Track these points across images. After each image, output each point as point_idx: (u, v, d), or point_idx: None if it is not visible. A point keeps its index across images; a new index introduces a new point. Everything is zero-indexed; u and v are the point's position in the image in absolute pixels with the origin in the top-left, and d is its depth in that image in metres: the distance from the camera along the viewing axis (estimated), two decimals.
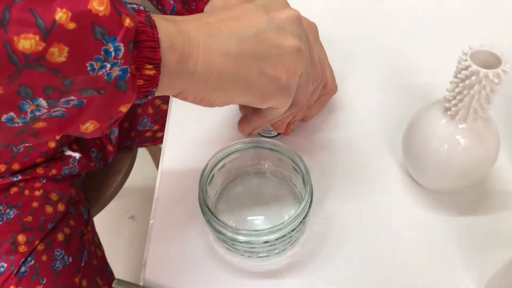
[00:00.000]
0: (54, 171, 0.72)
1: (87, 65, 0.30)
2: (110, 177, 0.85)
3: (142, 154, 1.10)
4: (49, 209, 0.71)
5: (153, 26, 0.34)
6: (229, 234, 0.43)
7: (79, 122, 0.33)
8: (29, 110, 0.30)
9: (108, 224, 1.23)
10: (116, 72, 0.31)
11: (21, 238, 0.67)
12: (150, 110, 0.84)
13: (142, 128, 0.85)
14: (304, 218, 0.43)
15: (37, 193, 0.71)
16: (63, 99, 0.30)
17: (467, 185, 0.46)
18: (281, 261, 0.46)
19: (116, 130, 0.81)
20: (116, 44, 0.31)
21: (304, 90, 0.44)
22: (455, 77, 0.40)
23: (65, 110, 0.31)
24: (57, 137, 0.34)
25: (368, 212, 0.48)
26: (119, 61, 0.31)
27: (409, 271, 0.45)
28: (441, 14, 0.68)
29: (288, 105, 0.43)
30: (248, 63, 0.38)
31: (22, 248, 0.67)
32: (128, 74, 0.32)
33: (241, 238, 0.42)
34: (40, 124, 0.32)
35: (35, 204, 0.70)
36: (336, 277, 0.45)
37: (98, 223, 0.83)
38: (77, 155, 0.75)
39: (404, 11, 0.69)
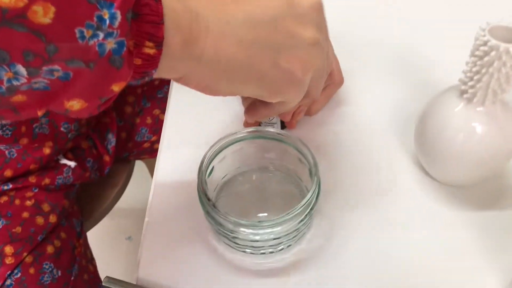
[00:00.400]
0: (47, 180, 0.69)
1: (76, 31, 0.26)
2: (105, 190, 0.82)
3: (140, 173, 1.07)
4: (40, 220, 0.68)
5: None
6: (230, 226, 0.39)
7: (64, 98, 0.29)
8: (5, 78, 0.26)
9: (104, 244, 1.19)
10: (110, 44, 0.28)
11: (8, 249, 0.64)
12: (149, 120, 0.81)
13: (140, 139, 0.82)
14: (311, 209, 0.40)
15: (28, 203, 0.68)
16: (45, 67, 0.27)
17: (485, 177, 0.43)
18: (286, 259, 0.42)
19: (113, 140, 0.78)
20: (113, 11, 0.27)
21: (318, 84, 0.41)
22: (472, 55, 0.38)
23: (48, 82, 0.28)
24: (39, 114, 0.30)
25: (378, 207, 0.45)
26: (115, 31, 0.28)
27: (422, 270, 0.41)
28: (449, 9, 0.67)
29: (299, 100, 0.40)
30: (262, 52, 0.35)
31: (9, 260, 0.64)
32: (125, 48, 0.29)
33: (243, 230, 0.39)
34: (19, 97, 0.28)
35: (25, 215, 0.67)
36: (347, 274, 0.41)
37: (94, 243, 0.79)
38: (72, 163, 0.72)
39: (411, 4, 0.68)
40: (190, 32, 0.32)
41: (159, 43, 0.30)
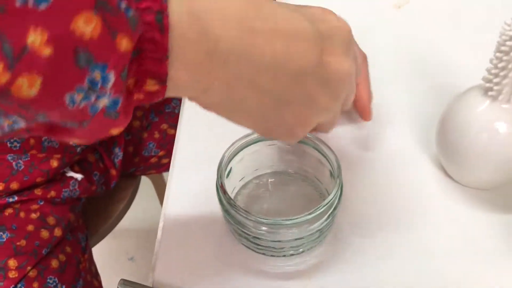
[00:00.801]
0: (53, 193, 0.68)
1: (66, 97, 0.24)
2: (111, 204, 0.80)
3: (145, 192, 1.06)
4: (44, 233, 0.66)
5: (164, 29, 0.25)
6: (251, 225, 0.38)
7: (63, 135, 0.28)
8: (5, 124, 0.25)
9: (105, 265, 1.16)
10: (104, 102, 0.25)
11: (12, 263, 0.62)
12: (156, 135, 0.81)
13: (147, 153, 0.81)
14: (334, 210, 0.39)
15: (33, 215, 0.66)
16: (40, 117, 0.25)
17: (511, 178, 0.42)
18: (307, 261, 0.41)
19: (120, 154, 0.77)
20: (105, 73, 0.24)
21: (322, 131, 0.41)
22: (498, 51, 0.38)
23: (48, 120, 0.26)
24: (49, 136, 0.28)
25: (399, 210, 0.44)
26: (108, 92, 0.25)
27: (447, 275, 0.40)
28: (466, 11, 0.66)
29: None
30: (272, 102, 0.32)
31: (13, 274, 0.62)
32: (120, 104, 0.26)
33: (264, 229, 0.38)
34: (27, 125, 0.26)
35: (30, 228, 0.65)
36: (369, 278, 0.40)
37: (96, 262, 0.77)
38: (79, 176, 0.71)
39: (428, 10, 0.67)
40: (200, 66, 0.28)
41: (162, 80, 0.27)
